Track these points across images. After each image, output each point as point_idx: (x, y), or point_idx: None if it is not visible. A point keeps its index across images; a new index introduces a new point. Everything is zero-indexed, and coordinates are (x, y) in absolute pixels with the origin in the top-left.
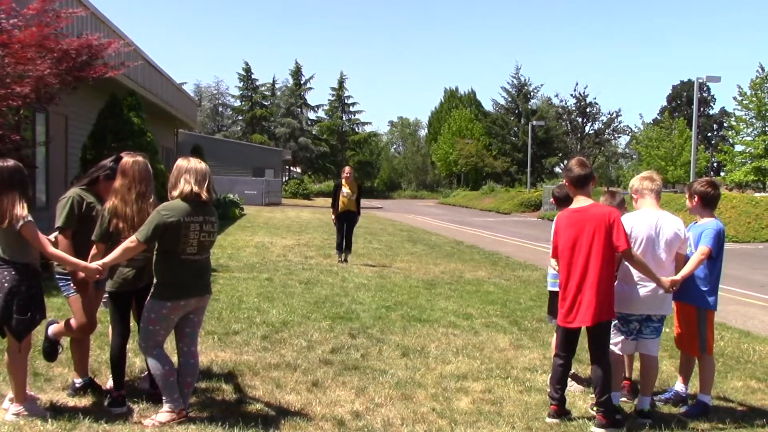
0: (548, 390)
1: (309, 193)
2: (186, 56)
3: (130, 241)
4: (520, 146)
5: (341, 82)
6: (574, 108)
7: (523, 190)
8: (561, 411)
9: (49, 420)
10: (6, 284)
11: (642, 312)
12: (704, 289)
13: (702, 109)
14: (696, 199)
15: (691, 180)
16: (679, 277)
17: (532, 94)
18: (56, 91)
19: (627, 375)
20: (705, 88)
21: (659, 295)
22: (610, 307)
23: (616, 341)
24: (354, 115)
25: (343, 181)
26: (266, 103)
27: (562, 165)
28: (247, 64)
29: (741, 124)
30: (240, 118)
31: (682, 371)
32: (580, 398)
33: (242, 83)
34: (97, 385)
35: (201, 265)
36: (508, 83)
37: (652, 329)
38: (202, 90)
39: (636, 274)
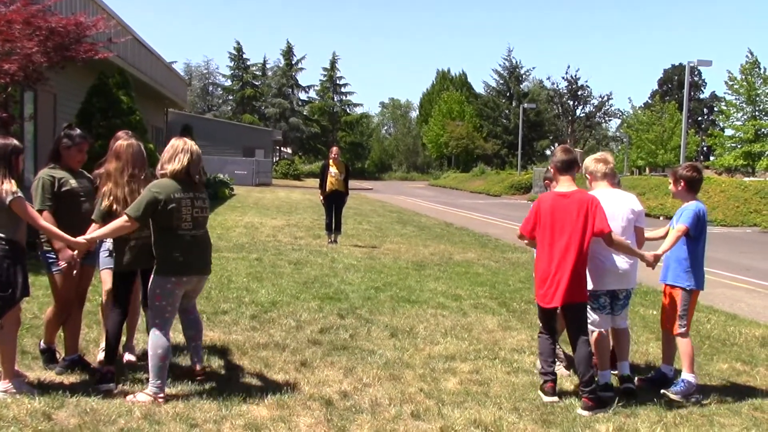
0: (539, 368)
1: (299, 174)
2: (176, 35)
3: (121, 220)
4: (511, 129)
5: (333, 63)
6: (565, 91)
7: (513, 172)
8: (556, 387)
9: (37, 397)
10: None
11: (608, 288)
12: (687, 269)
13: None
14: (682, 183)
15: (681, 164)
16: (660, 251)
17: (523, 76)
18: (44, 69)
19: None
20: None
21: (622, 271)
22: (584, 289)
23: (592, 320)
24: (345, 96)
25: (331, 161)
26: (257, 83)
27: (552, 148)
28: (238, 43)
29: (731, 108)
30: (230, 98)
31: (665, 352)
32: (567, 380)
33: (233, 63)
34: (86, 363)
35: (200, 240)
36: (500, 66)
37: (620, 305)
38: (192, 69)
39: (600, 252)
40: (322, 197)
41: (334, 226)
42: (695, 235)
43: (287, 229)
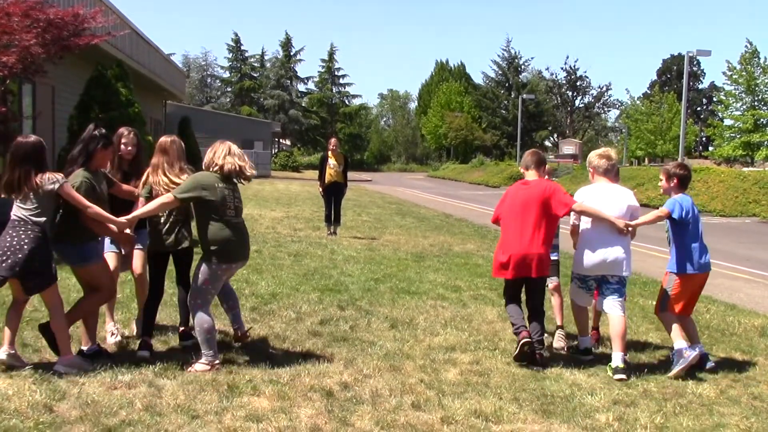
0: (513, 324)
1: (298, 166)
2: (174, 26)
3: (166, 197)
4: (510, 120)
5: (331, 54)
6: (564, 82)
7: (512, 163)
8: (531, 334)
9: (38, 390)
10: (27, 244)
11: (597, 273)
12: (674, 256)
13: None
14: (675, 180)
15: (680, 154)
16: (633, 222)
17: (522, 67)
18: (42, 60)
19: (594, 325)
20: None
21: (611, 259)
22: (546, 266)
23: (575, 294)
24: (344, 88)
25: (329, 153)
26: (255, 75)
27: (552, 138)
28: (236, 34)
29: (730, 98)
30: (229, 89)
31: (688, 334)
32: (569, 368)
33: (231, 54)
34: (104, 352)
35: (242, 228)
36: (499, 56)
37: (612, 290)
38: (191, 61)
39: (594, 240)
40: (321, 189)
41: (333, 217)
42: (679, 222)
43: (286, 221)
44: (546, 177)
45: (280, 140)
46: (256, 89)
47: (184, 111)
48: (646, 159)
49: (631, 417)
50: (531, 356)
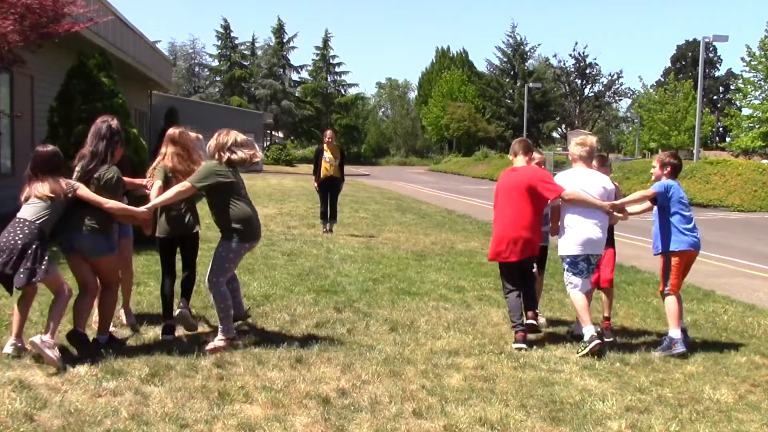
0: (511, 321)
1: (292, 160)
2: (160, 12)
3: (181, 186)
4: (516, 110)
5: (326, 41)
6: (572, 69)
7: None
8: (526, 336)
9: (17, 398)
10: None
11: (585, 253)
12: (658, 237)
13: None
14: (669, 169)
15: (695, 145)
16: (618, 202)
17: (528, 54)
18: (20, 49)
19: (606, 315)
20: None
21: (593, 239)
22: (536, 247)
23: (575, 283)
24: (340, 77)
25: (325, 145)
26: (246, 63)
27: (560, 129)
28: (225, 20)
29: (749, 86)
30: (218, 79)
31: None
32: (572, 357)
33: (220, 42)
34: (117, 340)
35: (255, 211)
36: (503, 43)
37: (592, 269)
38: (177, 49)
39: (577, 222)
40: (316, 184)
41: (329, 214)
42: (663, 205)
43: (280, 218)
44: (534, 164)
45: (273, 132)
46: (246, 78)
47: (170, 102)
48: (660, 150)
49: (644, 424)
50: (523, 341)
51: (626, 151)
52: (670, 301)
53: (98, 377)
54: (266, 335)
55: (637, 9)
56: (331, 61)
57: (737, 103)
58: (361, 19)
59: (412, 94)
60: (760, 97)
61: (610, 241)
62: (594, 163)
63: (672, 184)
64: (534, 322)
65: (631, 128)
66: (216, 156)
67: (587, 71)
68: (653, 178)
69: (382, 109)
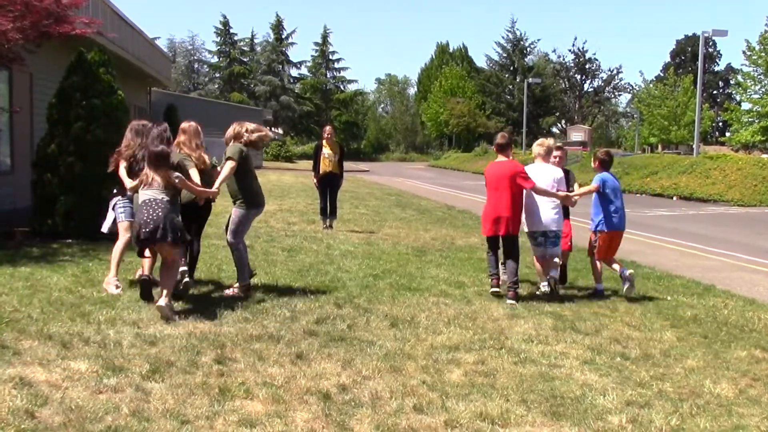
0: (489, 272)
1: (291, 156)
2: (158, 9)
3: (230, 163)
4: (515, 105)
5: (325, 37)
6: (572, 64)
7: (518, 151)
8: (500, 284)
9: (18, 395)
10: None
11: (540, 228)
12: (597, 218)
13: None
14: (597, 162)
15: (695, 140)
16: (573, 194)
17: (528, 49)
18: (20, 47)
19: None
20: (711, 43)
21: (549, 218)
22: (517, 225)
23: (535, 252)
24: (339, 73)
25: (324, 141)
26: (245, 60)
27: (559, 125)
28: (224, 17)
29: (748, 80)
30: (217, 75)
31: (594, 275)
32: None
33: (219, 38)
34: (152, 282)
35: (260, 186)
36: (503, 38)
37: (551, 242)
38: (176, 45)
39: (535, 207)
40: (315, 180)
41: (329, 210)
42: (603, 192)
43: (279, 215)
44: (512, 157)
45: (272, 129)
46: (246, 75)
47: (169, 98)
48: (660, 146)
49: (645, 419)
50: (499, 296)
51: (626, 146)
52: (597, 264)
53: (99, 374)
54: (267, 331)
55: (636, 4)
56: (330, 57)
57: (737, 97)
58: (359, 14)
59: (412, 90)
60: (760, 92)
61: (565, 215)
62: (559, 153)
63: (607, 177)
64: (497, 288)
65: (630, 123)
66: (240, 140)
67: (587, 66)
68: (594, 169)
69: (382, 105)
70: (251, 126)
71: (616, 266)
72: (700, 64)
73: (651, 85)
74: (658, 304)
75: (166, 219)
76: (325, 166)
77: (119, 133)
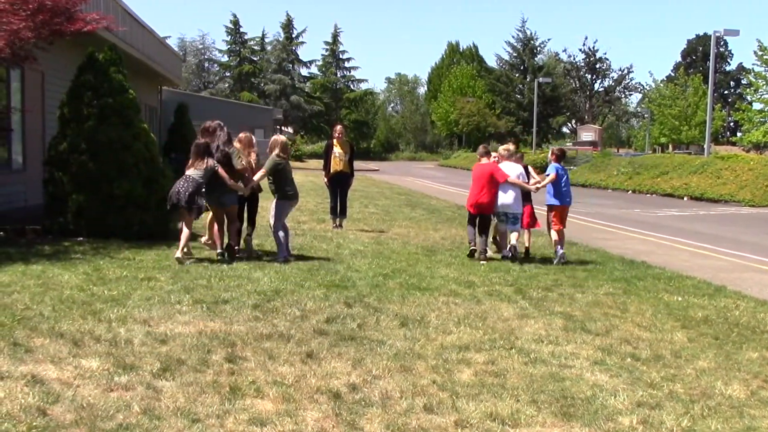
0: (468, 239)
1: (301, 155)
2: (169, 8)
3: (261, 172)
4: (526, 105)
5: (335, 36)
6: (582, 64)
7: (528, 151)
8: (476, 246)
9: (30, 393)
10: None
11: (501, 210)
12: (552, 198)
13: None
14: (554, 156)
15: (706, 140)
16: (540, 185)
17: (538, 49)
18: (32, 46)
19: (524, 242)
20: (722, 43)
21: (507, 202)
22: (491, 207)
23: (498, 226)
24: (349, 72)
25: (335, 141)
26: (255, 59)
27: (570, 125)
28: (234, 16)
29: (760, 80)
30: (227, 74)
31: (560, 239)
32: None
33: (230, 37)
34: (233, 251)
35: (294, 184)
36: (513, 37)
37: (511, 221)
38: (187, 44)
39: (499, 195)
40: (325, 179)
41: (339, 209)
42: (556, 180)
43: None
44: (494, 160)
45: (282, 128)
46: (256, 74)
47: (180, 97)
48: (670, 146)
49: (656, 420)
50: (473, 255)
51: (636, 146)
52: (554, 233)
53: (110, 372)
54: (277, 330)
55: (647, 3)
56: (340, 56)
57: (748, 97)
58: (370, 14)
59: (422, 90)
60: None
61: (527, 200)
62: (518, 154)
63: (559, 167)
64: (475, 248)
65: (641, 123)
66: (274, 152)
67: (597, 66)
68: (548, 162)
69: (392, 105)
70: (283, 140)
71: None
72: (711, 63)
73: (662, 85)
74: (668, 305)
75: (186, 191)
76: (335, 165)
77: (130, 132)
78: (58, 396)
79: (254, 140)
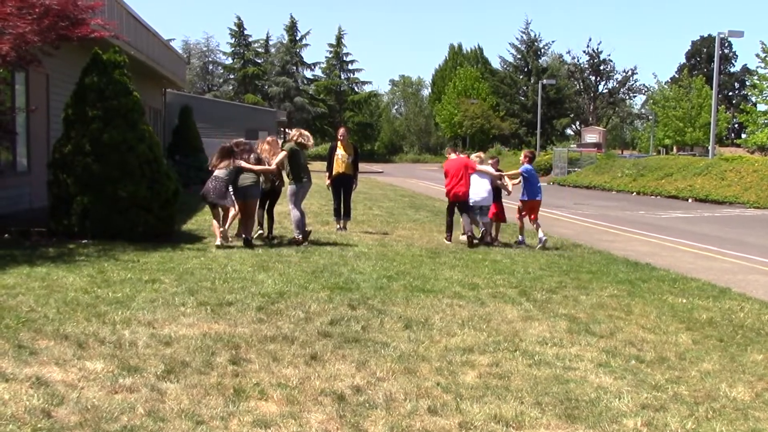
0: (446, 222)
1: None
2: (173, 11)
3: (282, 153)
4: (530, 106)
5: (339, 39)
6: (586, 66)
7: None
8: (451, 237)
9: (35, 395)
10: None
11: (475, 203)
12: (526, 194)
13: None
14: (525, 159)
15: (710, 142)
16: (505, 175)
17: (542, 50)
18: (37, 49)
19: (491, 232)
20: (726, 44)
21: (479, 197)
22: (467, 196)
23: (476, 215)
24: (353, 74)
25: (338, 143)
26: (259, 61)
27: (574, 126)
28: (239, 18)
29: (764, 82)
30: (231, 76)
31: (521, 230)
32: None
33: (234, 40)
34: (251, 245)
35: (308, 170)
36: (517, 39)
37: (483, 213)
38: (191, 47)
39: (473, 189)
40: (329, 181)
41: (342, 211)
42: (525, 178)
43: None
44: (463, 155)
45: (286, 130)
46: (260, 76)
47: (184, 99)
48: (675, 147)
49: (660, 422)
50: (472, 244)
51: (641, 147)
52: (532, 223)
53: (114, 374)
54: (281, 332)
55: (651, 5)
56: (344, 58)
57: (752, 99)
58: (374, 16)
59: (426, 92)
60: None
61: (497, 198)
62: (490, 161)
63: (529, 167)
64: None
65: (645, 125)
66: (293, 139)
67: (601, 68)
68: (521, 163)
69: (396, 107)
70: (306, 134)
71: (540, 232)
72: (715, 65)
73: (666, 87)
74: (673, 307)
75: (215, 188)
76: (338, 167)
77: (135, 134)
78: (63, 398)
79: (279, 143)
